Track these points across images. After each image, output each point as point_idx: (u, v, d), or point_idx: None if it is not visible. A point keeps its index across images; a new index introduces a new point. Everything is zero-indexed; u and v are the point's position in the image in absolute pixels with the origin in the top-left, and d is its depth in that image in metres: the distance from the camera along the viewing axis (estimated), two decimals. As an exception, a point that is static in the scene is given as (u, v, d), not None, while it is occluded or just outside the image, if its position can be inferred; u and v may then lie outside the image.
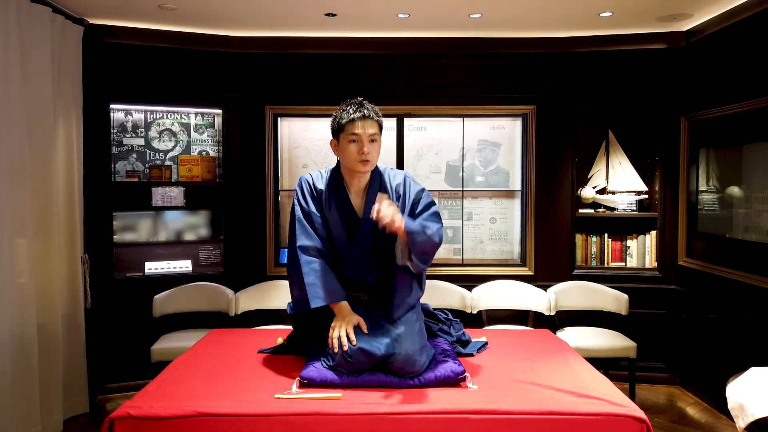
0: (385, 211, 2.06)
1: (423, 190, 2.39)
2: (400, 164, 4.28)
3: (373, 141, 2.28)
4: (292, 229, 2.35)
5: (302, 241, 2.29)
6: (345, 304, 2.25)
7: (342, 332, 2.13)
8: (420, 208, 2.34)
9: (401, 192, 2.38)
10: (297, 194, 2.37)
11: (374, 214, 2.07)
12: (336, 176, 2.38)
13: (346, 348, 2.09)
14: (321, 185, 2.37)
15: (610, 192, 4.26)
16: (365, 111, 2.28)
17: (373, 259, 2.38)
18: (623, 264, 4.26)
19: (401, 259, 2.21)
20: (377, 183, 2.37)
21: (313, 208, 2.34)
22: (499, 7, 3.50)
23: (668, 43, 4.03)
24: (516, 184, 4.39)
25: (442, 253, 4.36)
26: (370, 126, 2.27)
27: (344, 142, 2.30)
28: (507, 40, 4.13)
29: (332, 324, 2.19)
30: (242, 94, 4.20)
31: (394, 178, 2.41)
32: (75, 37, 3.61)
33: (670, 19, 3.76)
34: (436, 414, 1.88)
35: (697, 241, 3.93)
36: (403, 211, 2.32)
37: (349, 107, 2.30)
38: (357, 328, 2.16)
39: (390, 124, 4.23)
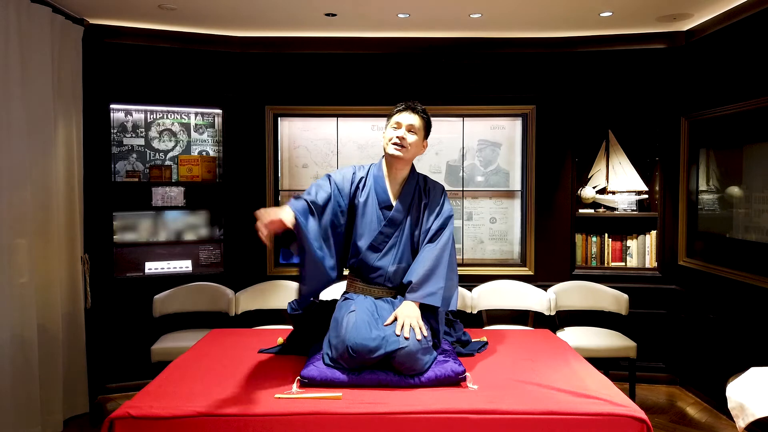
0: (407, 329, 2.15)
1: (448, 207, 2.51)
2: (400, 164, 4.28)
3: (411, 132, 2.43)
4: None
5: (307, 192, 2.38)
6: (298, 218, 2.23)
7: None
8: (433, 230, 2.44)
9: (429, 197, 2.49)
10: (336, 171, 2.52)
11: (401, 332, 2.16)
12: (378, 166, 2.52)
13: None
14: (362, 173, 2.51)
15: (610, 192, 4.26)
16: (411, 104, 2.47)
17: (398, 248, 2.43)
18: (623, 264, 4.26)
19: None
20: (414, 181, 2.50)
21: (340, 183, 2.43)
22: (499, 6, 3.50)
23: (668, 43, 4.03)
24: (516, 184, 4.39)
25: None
26: (412, 118, 2.44)
27: (387, 130, 2.48)
28: (507, 40, 4.13)
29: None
30: (242, 94, 4.20)
31: (432, 184, 2.54)
32: (75, 37, 3.61)
33: (670, 19, 3.76)
34: (436, 414, 1.88)
35: (697, 241, 3.93)
36: (425, 212, 2.46)
37: (401, 104, 2.49)
38: (366, 317, 2.18)
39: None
